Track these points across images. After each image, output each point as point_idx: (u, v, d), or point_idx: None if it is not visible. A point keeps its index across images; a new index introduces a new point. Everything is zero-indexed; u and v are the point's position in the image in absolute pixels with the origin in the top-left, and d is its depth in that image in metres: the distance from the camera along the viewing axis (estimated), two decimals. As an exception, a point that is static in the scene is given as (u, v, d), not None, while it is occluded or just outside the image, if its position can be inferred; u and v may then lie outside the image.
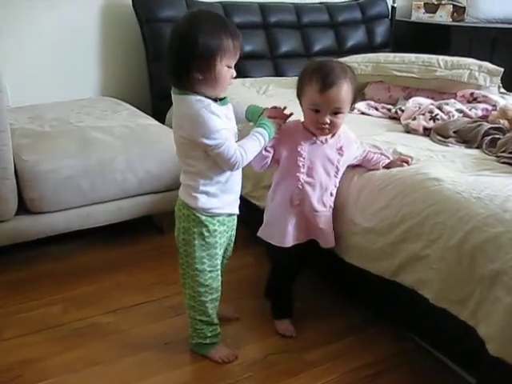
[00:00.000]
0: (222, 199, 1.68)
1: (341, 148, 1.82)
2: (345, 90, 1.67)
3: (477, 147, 2.05)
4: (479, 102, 2.47)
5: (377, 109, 2.65)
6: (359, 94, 1.81)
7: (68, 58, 3.18)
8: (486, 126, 2.10)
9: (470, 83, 2.59)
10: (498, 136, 2.04)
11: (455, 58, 2.72)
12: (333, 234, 1.89)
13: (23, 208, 2.28)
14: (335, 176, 1.84)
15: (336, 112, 1.69)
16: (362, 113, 2.60)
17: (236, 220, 1.82)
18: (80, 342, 1.91)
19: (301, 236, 1.87)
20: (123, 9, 3.27)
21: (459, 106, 2.37)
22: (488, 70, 2.62)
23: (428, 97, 2.60)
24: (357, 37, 3.92)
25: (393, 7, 4.14)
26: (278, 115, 1.76)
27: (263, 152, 1.73)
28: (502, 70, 2.62)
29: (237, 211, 1.78)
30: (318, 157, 1.79)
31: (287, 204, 1.83)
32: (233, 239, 1.86)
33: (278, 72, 3.57)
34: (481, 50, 3.61)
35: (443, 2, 4.19)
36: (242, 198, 2.41)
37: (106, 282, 2.28)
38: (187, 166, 1.65)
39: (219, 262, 1.76)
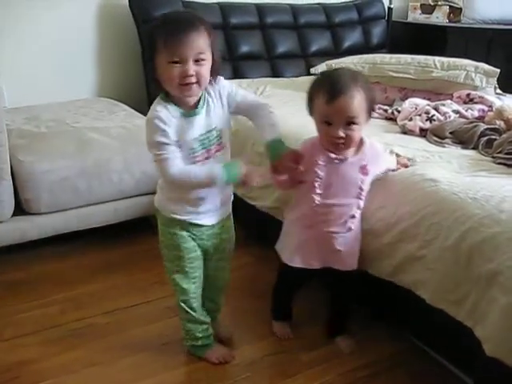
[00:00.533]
0: (178, 204, 1.64)
1: (365, 167, 1.67)
2: (356, 98, 1.55)
3: (473, 148, 2.06)
4: (475, 102, 2.48)
5: (373, 109, 2.65)
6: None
7: (65, 58, 3.18)
8: (483, 126, 2.11)
9: (467, 84, 2.60)
10: (494, 137, 2.04)
11: (451, 59, 2.72)
12: (356, 256, 1.77)
13: (20, 209, 2.28)
14: (358, 197, 1.69)
15: (349, 123, 1.57)
16: (359, 113, 2.59)
17: (216, 230, 1.73)
18: (78, 342, 1.91)
19: (313, 261, 1.77)
20: (120, 9, 3.27)
21: (455, 106, 2.37)
22: (484, 71, 2.63)
23: (424, 98, 2.60)
24: (353, 37, 3.92)
25: (389, 8, 4.15)
26: (292, 162, 1.61)
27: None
28: (498, 70, 2.62)
29: (206, 222, 1.69)
30: (337, 177, 1.66)
31: (300, 224, 1.75)
32: (224, 247, 1.79)
33: (275, 73, 3.57)
34: (477, 51, 3.62)
35: (439, 2, 4.19)
36: (239, 198, 2.43)
37: (104, 282, 2.28)
38: None
39: (191, 265, 1.71)
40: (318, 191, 1.67)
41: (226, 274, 1.89)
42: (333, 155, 1.64)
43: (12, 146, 2.25)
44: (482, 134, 2.07)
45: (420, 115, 2.31)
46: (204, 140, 1.56)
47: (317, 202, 1.67)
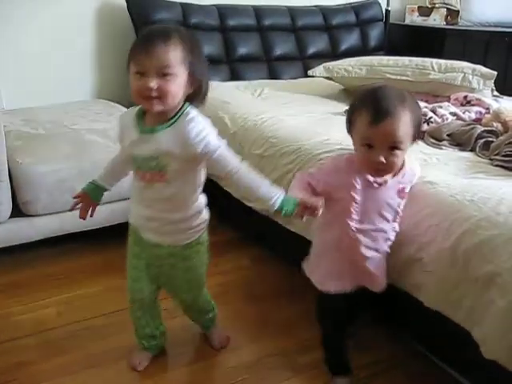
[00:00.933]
0: (135, 207, 1.65)
1: (403, 190, 1.56)
2: (402, 121, 1.40)
3: (470, 150, 2.06)
4: (473, 105, 2.48)
5: (371, 112, 2.65)
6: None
7: (63, 60, 3.18)
8: (480, 128, 2.11)
9: (464, 86, 2.61)
10: (491, 139, 2.04)
11: (449, 62, 2.73)
12: (384, 276, 1.65)
13: (17, 210, 2.28)
14: (394, 221, 1.58)
15: (393, 148, 1.42)
16: (357, 116, 2.60)
17: (164, 256, 1.65)
18: (75, 344, 1.91)
19: (346, 284, 1.61)
20: (118, 12, 3.27)
21: (453, 109, 2.38)
22: (481, 74, 2.64)
23: (422, 100, 2.60)
24: (351, 40, 3.93)
25: (387, 10, 4.15)
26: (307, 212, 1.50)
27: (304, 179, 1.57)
28: (496, 73, 2.63)
29: (151, 239, 1.63)
30: (374, 202, 1.53)
31: (333, 248, 1.60)
32: (176, 275, 1.69)
33: (273, 75, 3.57)
34: (474, 54, 3.62)
35: (437, 5, 4.21)
36: (236, 200, 2.43)
37: (100, 284, 2.28)
38: None
39: (138, 275, 1.70)
40: (355, 217, 1.52)
41: (198, 300, 1.81)
42: (371, 178, 1.49)
43: (10, 148, 2.24)
44: (480, 137, 2.07)
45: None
46: (145, 162, 1.47)
47: (353, 228, 1.52)
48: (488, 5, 4.13)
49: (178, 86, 1.38)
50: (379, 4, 4.13)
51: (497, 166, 1.87)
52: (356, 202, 1.50)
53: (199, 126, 1.41)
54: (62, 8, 3.12)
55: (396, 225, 1.59)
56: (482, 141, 2.05)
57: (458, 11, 4.16)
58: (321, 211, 1.46)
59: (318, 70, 3.06)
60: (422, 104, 2.45)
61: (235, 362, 1.84)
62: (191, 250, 1.64)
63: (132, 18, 3.22)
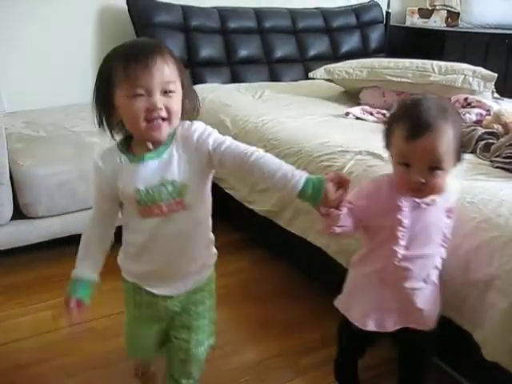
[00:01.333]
0: (133, 265, 1.40)
1: (450, 210, 1.42)
2: (445, 138, 1.24)
3: (471, 152, 2.06)
4: (473, 106, 2.48)
5: (372, 114, 2.65)
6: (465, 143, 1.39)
7: (64, 63, 3.18)
8: (480, 130, 2.11)
9: (464, 88, 2.60)
10: (491, 141, 2.04)
11: (449, 64, 2.73)
12: (435, 313, 1.47)
13: (19, 213, 2.28)
14: (442, 245, 1.43)
15: (433, 168, 1.26)
16: (357, 118, 2.60)
17: (176, 307, 1.42)
18: (75, 346, 1.91)
19: (388, 324, 1.46)
20: (119, 14, 3.28)
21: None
22: (482, 76, 2.64)
23: (422, 102, 2.61)
24: (351, 42, 3.93)
25: (387, 12, 4.16)
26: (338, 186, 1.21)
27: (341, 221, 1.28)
28: (496, 75, 2.63)
29: (163, 293, 1.39)
30: (422, 224, 1.36)
31: (376, 280, 1.43)
32: (190, 337, 1.44)
33: (274, 77, 3.57)
34: (475, 56, 3.63)
35: (437, 7, 4.21)
36: (237, 202, 2.43)
37: (101, 286, 2.27)
38: None
39: (141, 341, 1.54)
40: (402, 243, 1.36)
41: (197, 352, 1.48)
42: (418, 199, 1.34)
43: (11, 150, 2.25)
44: (480, 138, 2.07)
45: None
46: (154, 193, 1.25)
47: (400, 256, 1.36)
48: (488, 7, 4.14)
49: (179, 103, 1.24)
50: (380, 6, 4.14)
51: (497, 167, 1.87)
52: (403, 226, 1.34)
53: (201, 126, 1.29)
54: (63, 10, 3.12)
55: (443, 250, 1.43)
56: (483, 142, 2.05)
57: (459, 13, 4.16)
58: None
59: (319, 72, 3.06)
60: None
61: (237, 364, 1.84)
62: (206, 289, 1.46)
63: (133, 21, 3.23)
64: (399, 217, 1.33)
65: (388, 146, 1.35)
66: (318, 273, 2.19)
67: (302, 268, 2.32)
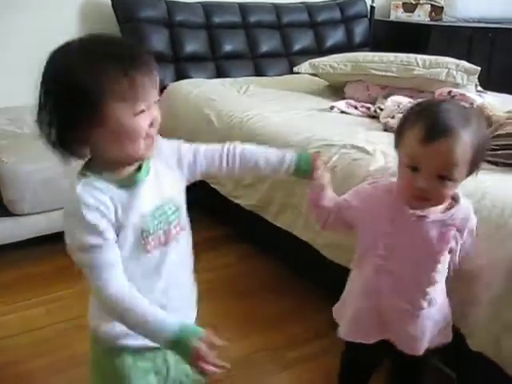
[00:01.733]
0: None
1: (447, 233, 1.26)
2: (461, 145, 1.13)
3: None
4: (457, 100, 2.50)
5: (356, 107, 2.66)
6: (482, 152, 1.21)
7: (47, 58, 3.16)
8: (464, 124, 2.13)
9: (448, 82, 2.62)
10: (475, 134, 2.06)
11: (433, 57, 2.75)
12: (423, 342, 1.34)
13: (4, 210, 2.27)
14: (434, 269, 1.28)
15: (443, 177, 1.15)
16: (342, 112, 2.61)
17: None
18: (64, 343, 1.91)
19: (371, 335, 1.37)
20: (102, 8, 3.25)
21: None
22: (465, 69, 2.66)
23: (407, 95, 2.62)
24: (336, 36, 3.94)
25: (372, 7, 4.17)
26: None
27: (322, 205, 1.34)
28: (479, 68, 2.65)
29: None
30: (406, 238, 1.26)
31: (359, 292, 1.37)
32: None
33: (258, 72, 3.57)
34: (458, 49, 3.66)
35: (421, 1, 4.23)
36: (222, 197, 2.43)
37: (87, 283, 2.27)
38: None
39: None
40: (381, 252, 1.29)
41: None
42: (410, 210, 1.23)
43: (-5, 147, 2.24)
44: (464, 131, 2.09)
45: (402, 113, 2.33)
46: (161, 216, 1.09)
47: (377, 264, 1.30)
48: (472, 1, 4.18)
49: None
50: (364, 0, 4.15)
51: (481, 160, 1.89)
52: (385, 235, 1.27)
53: (167, 140, 1.17)
54: (45, 6, 3.09)
55: (437, 276, 1.28)
56: (466, 136, 2.07)
57: (442, 7, 4.18)
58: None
59: (304, 66, 3.07)
60: (405, 100, 2.48)
61: (223, 358, 1.83)
62: None
63: (116, 15, 3.21)
64: (383, 223, 1.27)
65: (398, 145, 1.24)
66: (305, 267, 2.21)
67: (288, 262, 2.33)
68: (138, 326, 1.04)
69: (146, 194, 1.07)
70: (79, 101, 0.96)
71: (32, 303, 2.13)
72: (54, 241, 2.49)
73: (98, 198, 1.01)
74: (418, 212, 1.23)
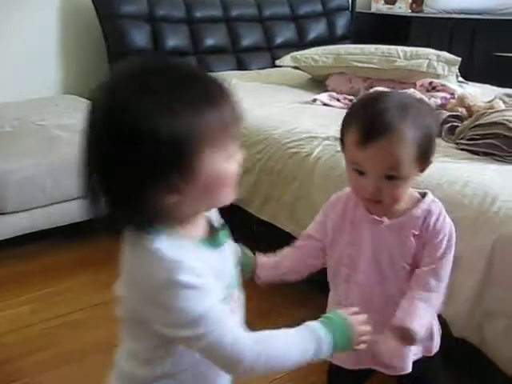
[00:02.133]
0: None
1: (409, 236, 1.11)
2: (402, 143, 1.03)
3: (436, 135, 2.10)
4: (438, 90, 2.52)
5: (339, 100, 2.68)
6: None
7: (27, 55, 3.13)
8: (445, 113, 2.15)
9: (429, 73, 2.64)
10: (456, 124, 2.08)
11: (414, 49, 2.77)
12: (403, 360, 1.17)
13: (-14, 209, 2.26)
14: (398, 276, 1.13)
15: (390, 177, 1.05)
16: (325, 104, 2.62)
17: None
18: (51, 341, 1.91)
19: (346, 359, 1.22)
20: (83, 4, 3.23)
21: (419, 95, 2.41)
22: (446, 60, 2.68)
23: (388, 87, 2.63)
24: (318, 29, 3.94)
25: (353, -1, 4.19)
26: None
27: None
28: (460, 59, 2.67)
29: None
30: (370, 245, 1.14)
31: (333, 301, 1.25)
32: None
33: (241, 66, 3.57)
34: (439, 40, 3.68)
35: (402, -7, 4.25)
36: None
37: (73, 280, 2.27)
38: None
39: None
40: (346, 261, 1.17)
41: None
42: (369, 215, 1.13)
43: (-24, 146, 2.22)
44: (445, 121, 2.11)
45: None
46: (233, 280, 0.97)
47: (345, 274, 1.18)
48: (452, -8, 4.20)
49: None
50: (345, -7, 4.16)
51: (462, 149, 1.91)
52: (346, 245, 1.17)
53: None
54: (25, 3, 3.07)
55: (405, 284, 1.12)
56: (448, 125, 2.09)
57: (423, -1, 4.21)
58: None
59: (286, 59, 3.08)
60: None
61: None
62: None
63: (97, 10, 3.18)
64: (345, 230, 1.17)
65: (342, 150, 1.13)
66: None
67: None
68: (289, 357, 0.94)
69: (228, 256, 0.93)
70: (170, 155, 0.77)
71: (19, 301, 2.12)
72: (36, 239, 2.49)
73: (198, 256, 0.83)
74: (375, 217, 1.12)
